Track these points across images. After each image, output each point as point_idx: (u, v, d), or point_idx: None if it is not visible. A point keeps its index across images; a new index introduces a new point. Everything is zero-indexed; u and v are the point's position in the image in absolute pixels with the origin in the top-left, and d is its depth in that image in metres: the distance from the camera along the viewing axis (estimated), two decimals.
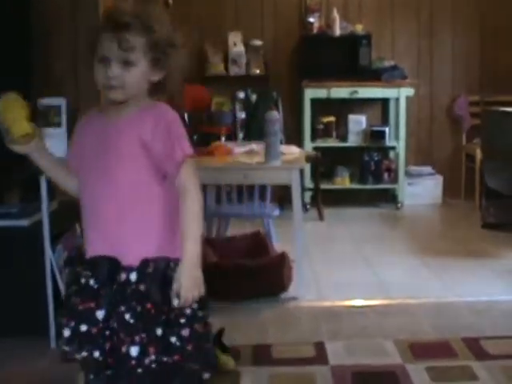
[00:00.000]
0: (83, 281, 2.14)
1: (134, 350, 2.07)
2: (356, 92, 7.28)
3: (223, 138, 7.08)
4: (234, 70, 7.64)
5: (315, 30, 7.60)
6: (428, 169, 7.75)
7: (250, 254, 4.85)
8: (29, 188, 3.72)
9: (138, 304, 2.08)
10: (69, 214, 4.11)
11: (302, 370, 3.36)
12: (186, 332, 2.13)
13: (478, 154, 7.08)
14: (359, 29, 7.53)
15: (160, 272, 2.12)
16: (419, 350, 3.53)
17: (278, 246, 5.00)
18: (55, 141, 4.03)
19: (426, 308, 4.19)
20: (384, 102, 7.80)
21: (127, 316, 2.08)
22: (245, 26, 7.74)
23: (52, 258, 3.58)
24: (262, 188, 5.22)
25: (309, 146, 7.27)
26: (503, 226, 6.18)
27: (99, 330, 2.11)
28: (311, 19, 7.61)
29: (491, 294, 4.44)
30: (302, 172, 5.48)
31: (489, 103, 7.37)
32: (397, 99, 7.38)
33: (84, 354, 2.14)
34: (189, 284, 2.12)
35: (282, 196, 6.10)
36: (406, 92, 7.28)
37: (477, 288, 4.60)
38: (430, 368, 3.32)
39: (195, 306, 2.18)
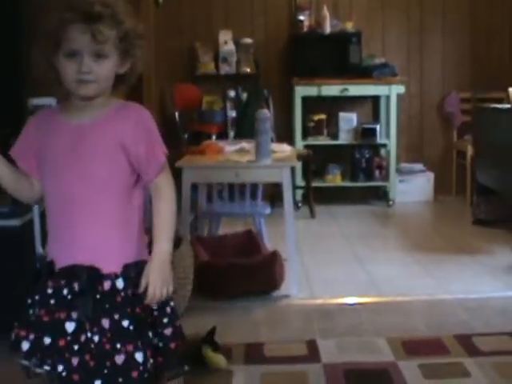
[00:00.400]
0: (50, 291, 2.05)
1: (139, 356, 2.00)
2: (347, 90, 7.28)
3: (214, 137, 7.08)
4: (225, 69, 7.64)
5: (305, 28, 7.60)
6: (419, 166, 7.76)
7: (242, 253, 4.85)
8: None
9: (132, 310, 2.04)
10: None
11: (294, 368, 3.35)
12: (168, 331, 2.12)
13: (469, 150, 7.10)
14: (349, 26, 7.54)
15: (141, 275, 2.08)
16: (412, 347, 3.53)
17: (269, 244, 5.00)
18: None
19: (418, 305, 4.20)
20: (375, 100, 7.81)
21: (125, 323, 2.01)
22: (235, 24, 7.74)
23: (43, 258, 3.57)
24: (254, 186, 5.22)
25: (300, 144, 7.27)
26: (494, 222, 6.19)
27: (66, 343, 2.01)
28: (301, 17, 7.61)
29: (483, 291, 4.45)
30: (293, 170, 5.49)
31: (480, 100, 7.38)
32: (387, 96, 7.38)
33: (46, 368, 2.04)
34: (158, 281, 2.06)
35: (274, 194, 6.10)
36: (396, 89, 7.29)
37: (468, 285, 4.60)
38: (422, 365, 3.32)
39: (172, 303, 2.15)
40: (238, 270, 4.43)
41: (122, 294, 2.04)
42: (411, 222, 6.83)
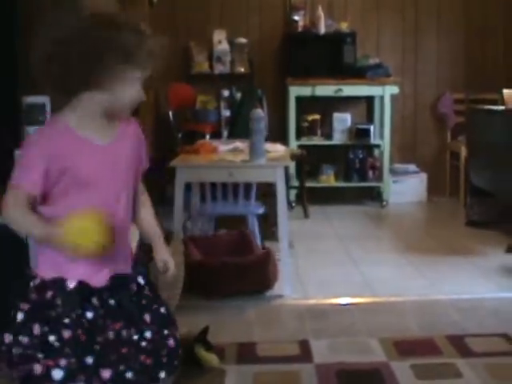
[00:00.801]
0: (79, 312, 2.10)
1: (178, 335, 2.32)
2: (341, 90, 7.29)
3: (208, 136, 7.08)
4: (219, 68, 7.64)
5: (300, 28, 7.62)
6: (413, 167, 7.77)
7: (235, 252, 4.85)
8: None
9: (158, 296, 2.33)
10: None
11: (286, 368, 3.34)
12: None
13: (463, 151, 7.11)
14: (344, 26, 7.55)
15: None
16: (404, 348, 3.53)
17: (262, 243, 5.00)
18: None
19: (411, 306, 4.20)
20: (369, 100, 7.82)
21: (162, 310, 2.30)
22: (229, 24, 7.74)
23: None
24: (247, 186, 5.22)
25: (294, 144, 7.28)
26: (488, 223, 6.19)
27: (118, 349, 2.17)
28: (296, 17, 7.62)
29: (476, 292, 4.45)
30: (286, 170, 5.48)
31: (473, 101, 7.39)
32: (381, 97, 7.39)
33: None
34: (171, 258, 2.43)
35: (267, 194, 6.10)
36: (390, 90, 7.30)
37: (461, 286, 4.61)
38: (414, 365, 3.32)
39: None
40: (231, 270, 4.43)
41: (146, 287, 2.26)
42: (405, 222, 6.84)
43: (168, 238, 4.01)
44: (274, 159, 4.67)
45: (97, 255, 2.05)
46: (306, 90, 7.29)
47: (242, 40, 7.66)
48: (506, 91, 6.09)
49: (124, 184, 2.19)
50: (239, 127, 6.51)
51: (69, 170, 2.08)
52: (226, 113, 7.44)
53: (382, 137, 7.35)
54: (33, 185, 2.06)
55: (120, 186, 2.18)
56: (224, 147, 5.04)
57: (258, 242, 5.05)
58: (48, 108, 4.06)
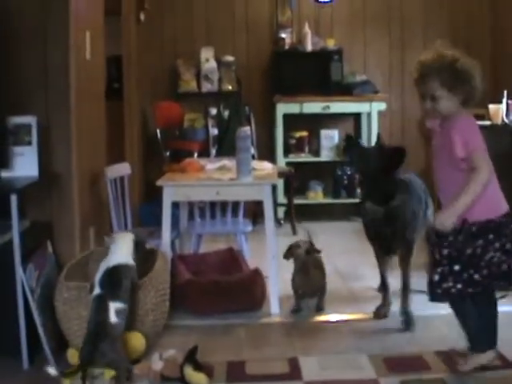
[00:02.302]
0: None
1: None
2: (328, 107, 7.32)
3: (196, 155, 7.08)
4: (207, 87, 7.65)
5: (287, 46, 7.65)
6: None
7: (224, 271, 4.85)
8: (0, 206, 3.67)
9: None
10: (40, 232, 4.10)
11: None
12: None
13: None
14: (331, 44, 7.58)
15: None
16: (393, 364, 3.53)
17: (251, 261, 4.99)
18: (25, 159, 4.03)
19: (400, 322, 4.19)
20: (356, 117, 7.84)
21: None
22: (217, 42, 7.78)
23: (23, 277, 3.54)
24: (235, 204, 5.22)
25: (282, 161, 7.29)
26: None
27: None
28: (283, 35, 7.66)
29: None
30: (274, 187, 5.49)
31: None
32: (369, 114, 7.42)
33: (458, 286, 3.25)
34: None
35: (256, 211, 6.10)
36: (377, 106, 7.33)
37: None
38: (404, 382, 3.32)
39: None
40: (219, 288, 4.42)
41: None
42: None
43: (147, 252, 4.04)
44: (261, 177, 4.68)
45: None
46: (293, 107, 7.31)
47: (230, 58, 7.68)
48: (491, 106, 6.12)
49: None
50: (227, 145, 6.53)
51: None
52: (214, 131, 7.44)
53: None
54: None
55: None
56: (211, 165, 5.04)
57: (247, 259, 5.04)
58: (35, 128, 4.04)
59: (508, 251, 3.21)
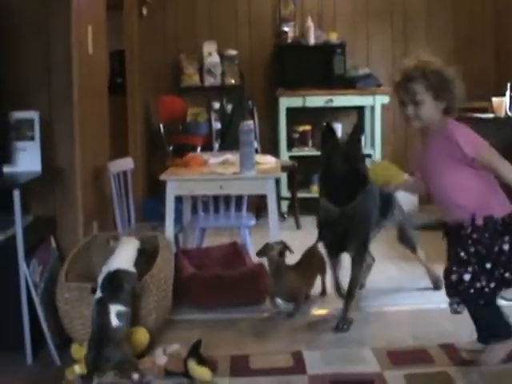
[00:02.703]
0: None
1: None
2: (331, 100, 7.30)
3: (199, 149, 7.07)
4: (210, 81, 7.64)
5: (290, 39, 7.63)
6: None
7: (227, 265, 4.84)
8: (3, 201, 3.67)
9: None
10: (44, 227, 4.10)
11: (280, 380, 3.33)
12: None
13: None
14: (334, 37, 7.56)
15: None
16: (398, 358, 3.53)
17: (254, 255, 4.98)
18: (28, 154, 4.03)
19: (404, 315, 4.19)
20: (359, 110, 7.83)
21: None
22: (219, 36, 7.76)
23: (27, 272, 3.54)
24: (239, 198, 5.22)
25: (285, 154, 7.29)
26: None
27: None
28: (286, 28, 7.64)
29: None
30: (278, 181, 5.48)
31: (463, 110, 7.36)
32: (372, 107, 7.41)
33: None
34: None
35: (259, 205, 6.10)
36: (381, 100, 7.31)
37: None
38: (408, 375, 3.31)
39: None
40: (223, 282, 4.42)
41: None
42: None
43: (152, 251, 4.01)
44: (264, 171, 4.68)
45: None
46: (296, 101, 7.29)
47: (233, 52, 7.67)
48: (494, 99, 6.11)
49: None
50: (230, 139, 6.52)
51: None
52: (217, 125, 7.42)
53: (373, 146, 7.36)
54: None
55: None
56: (214, 160, 5.04)
57: (250, 253, 5.03)
58: (37, 123, 4.04)
59: None
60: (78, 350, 3.44)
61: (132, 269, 3.60)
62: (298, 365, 3.51)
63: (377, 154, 7.32)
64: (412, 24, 7.89)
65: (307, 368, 3.46)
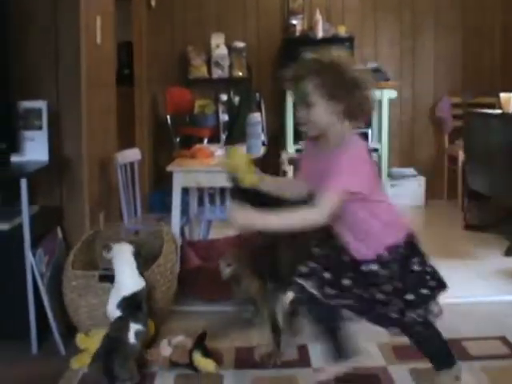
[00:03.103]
0: None
1: None
2: None
3: (206, 141, 7.07)
4: (217, 73, 7.64)
5: (298, 33, 7.61)
6: (410, 170, 7.77)
7: None
8: (10, 191, 3.68)
9: None
10: (50, 217, 4.10)
11: (284, 373, 3.35)
12: None
13: (461, 155, 7.10)
14: (342, 31, 7.54)
15: None
16: (402, 352, 3.52)
17: None
18: (36, 144, 4.03)
19: None
20: None
21: None
22: (227, 28, 7.75)
23: (33, 262, 3.55)
24: None
25: (291, 147, 7.27)
26: (485, 227, 6.19)
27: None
28: (294, 21, 7.62)
29: (473, 295, 4.45)
30: (284, 174, 5.47)
31: (471, 105, 7.39)
32: (379, 101, 7.38)
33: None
34: None
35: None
36: (388, 94, 7.28)
37: (459, 289, 4.58)
38: (413, 370, 3.32)
39: None
40: None
41: None
42: None
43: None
44: None
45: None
46: None
47: (240, 44, 7.66)
48: (502, 95, 6.09)
49: None
50: (237, 131, 6.49)
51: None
52: (224, 117, 7.41)
53: (380, 140, 7.33)
54: None
55: None
56: (221, 152, 5.03)
57: None
58: (45, 113, 4.04)
59: None
60: (83, 340, 3.45)
61: (142, 283, 3.59)
62: (304, 358, 3.51)
63: (384, 149, 7.30)
64: (420, 18, 7.87)
65: (312, 361, 3.47)
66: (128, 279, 3.54)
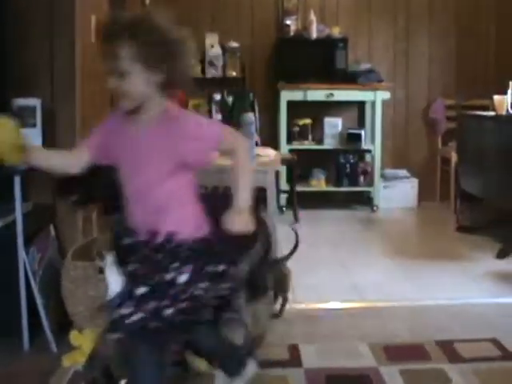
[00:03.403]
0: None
1: None
2: (332, 95, 7.30)
3: None
4: (211, 72, 7.64)
5: (292, 33, 7.62)
6: (403, 172, 7.79)
7: None
8: (2, 188, 3.67)
9: None
10: (43, 215, 4.10)
11: (275, 373, 3.34)
12: None
13: (454, 157, 7.12)
14: (336, 31, 7.55)
15: None
16: (393, 353, 3.53)
17: None
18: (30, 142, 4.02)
19: (401, 311, 4.20)
20: (360, 105, 7.84)
21: None
22: (222, 27, 7.75)
23: (25, 259, 3.55)
24: None
25: (285, 148, 7.28)
26: (478, 229, 6.22)
27: None
28: (288, 22, 7.63)
29: (465, 297, 4.46)
30: (277, 174, 5.47)
31: (464, 107, 7.41)
32: (373, 102, 7.41)
33: None
34: None
35: (258, 197, 6.09)
36: (382, 95, 7.31)
37: (451, 291, 4.62)
38: (403, 371, 3.32)
39: None
40: None
41: None
42: (395, 227, 6.84)
43: None
44: (265, 164, 4.67)
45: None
46: (297, 95, 7.29)
47: (234, 44, 7.66)
48: (496, 97, 6.11)
49: None
50: None
51: None
52: (218, 117, 7.43)
53: (373, 142, 7.36)
54: None
55: None
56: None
57: None
58: (39, 110, 4.04)
59: None
60: (77, 337, 3.44)
61: None
62: (294, 358, 3.51)
63: (377, 150, 7.32)
64: (414, 20, 7.89)
65: (303, 361, 3.47)
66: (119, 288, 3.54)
